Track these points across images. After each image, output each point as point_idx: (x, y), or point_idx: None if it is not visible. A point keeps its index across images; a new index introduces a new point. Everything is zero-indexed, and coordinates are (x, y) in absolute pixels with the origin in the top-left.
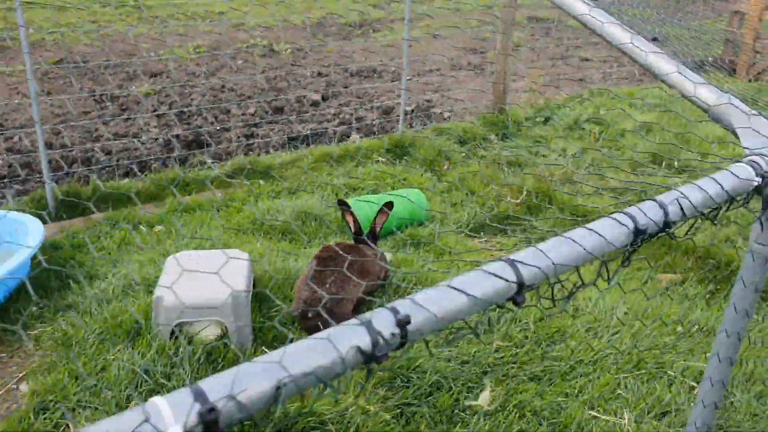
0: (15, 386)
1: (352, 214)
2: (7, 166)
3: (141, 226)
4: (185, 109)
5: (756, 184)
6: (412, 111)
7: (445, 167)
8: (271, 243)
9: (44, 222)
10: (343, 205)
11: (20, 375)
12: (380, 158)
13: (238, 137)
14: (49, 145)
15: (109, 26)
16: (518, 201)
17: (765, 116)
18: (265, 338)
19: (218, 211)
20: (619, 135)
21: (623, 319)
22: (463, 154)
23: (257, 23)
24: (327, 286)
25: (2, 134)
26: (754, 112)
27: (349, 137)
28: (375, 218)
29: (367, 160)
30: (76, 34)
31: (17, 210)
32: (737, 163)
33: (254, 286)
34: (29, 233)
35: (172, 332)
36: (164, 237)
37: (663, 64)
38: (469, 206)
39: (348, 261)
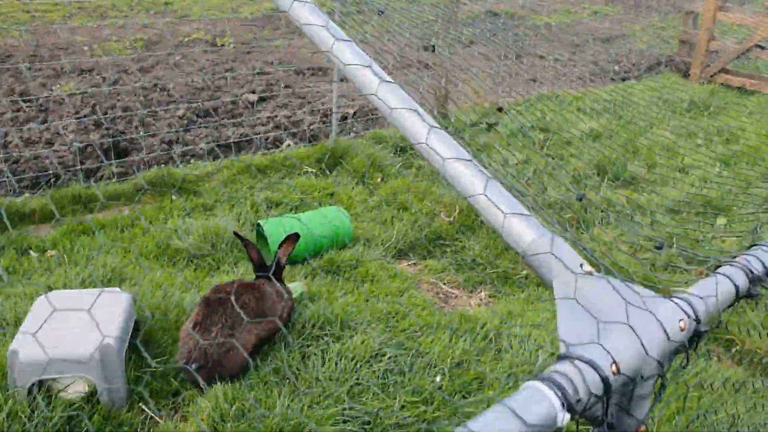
0: None
1: (253, 245)
2: None
3: (31, 251)
4: (109, 112)
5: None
6: (354, 114)
7: (378, 180)
8: (173, 270)
9: None
10: (239, 237)
11: None
12: (309, 169)
13: (162, 143)
14: None
15: (45, 17)
16: (450, 219)
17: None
18: (145, 392)
19: (122, 231)
20: (566, 143)
21: None
22: (399, 165)
23: (202, 15)
24: (213, 334)
25: None
26: (587, 270)
27: (282, 143)
28: (279, 248)
29: (294, 172)
30: (7, 26)
31: None
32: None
33: (138, 328)
34: None
35: (33, 389)
36: (55, 265)
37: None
38: (400, 224)
39: (240, 303)
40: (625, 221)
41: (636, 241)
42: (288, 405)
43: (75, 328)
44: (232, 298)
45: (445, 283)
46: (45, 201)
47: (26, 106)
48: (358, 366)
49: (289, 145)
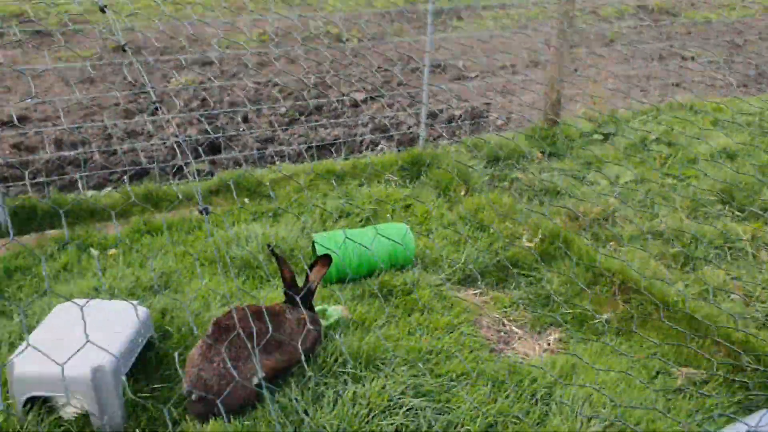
0: None
1: (286, 263)
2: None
3: (91, 249)
4: (217, 106)
5: None
6: (459, 117)
7: (462, 193)
8: (222, 280)
9: None
10: (273, 252)
11: None
12: (391, 177)
13: (257, 141)
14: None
15: (183, 10)
16: (532, 244)
17: None
18: (143, 418)
19: (188, 233)
20: (691, 161)
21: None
22: (488, 177)
23: (335, 9)
24: (215, 364)
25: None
26: None
27: (377, 146)
28: (311, 269)
29: (375, 179)
30: (150, 17)
31: None
32: None
33: (151, 346)
34: None
35: (31, 403)
36: (110, 265)
37: None
38: (474, 245)
39: (250, 331)
40: (745, 262)
41: (752, 291)
42: None
43: (74, 345)
44: (239, 325)
45: (510, 320)
46: (118, 197)
47: (141, 98)
48: (371, 417)
49: (382, 149)
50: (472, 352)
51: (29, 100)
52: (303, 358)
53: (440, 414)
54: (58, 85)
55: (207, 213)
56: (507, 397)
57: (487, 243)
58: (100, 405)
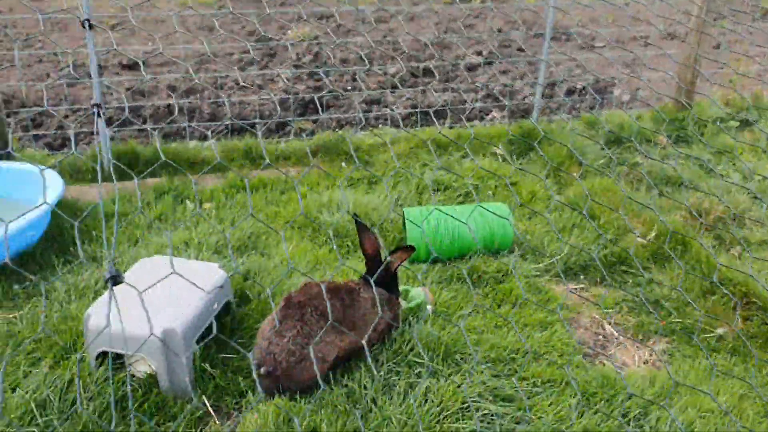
0: None
1: (370, 236)
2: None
3: (187, 201)
4: (328, 62)
5: None
6: (581, 90)
7: (574, 175)
8: (310, 246)
9: (75, 179)
10: (357, 221)
11: None
12: (497, 150)
13: (363, 102)
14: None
15: None
16: (645, 241)
17: None
18: (210, 386)
19: (282, 193)
20: None
21: None
22: (604, 160)
23: None
24: (286, 340)
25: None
26: None
27: (487, 115)
28: (393, 253)
29: (480, 152)
30: None
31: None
32: None
33: (228, 310)
34: (48, 188)
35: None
36: (207, 218)
37: None
38: (579, 235)
39: (322, 310)
40: None
41: None
42: None
43: (156, 301)
44: (313, 301)
45: (611, 323)
46: (219, 150)
47: (255, 48)
48: (442, 417)
49: (492, 119)
50: (562, 356)
51: (154, 47)
52: (376, 341)
53: (518, 423)
54: (179, 33)
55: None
56: (596, 413)
57: (595, 234)
58: (168, 368)
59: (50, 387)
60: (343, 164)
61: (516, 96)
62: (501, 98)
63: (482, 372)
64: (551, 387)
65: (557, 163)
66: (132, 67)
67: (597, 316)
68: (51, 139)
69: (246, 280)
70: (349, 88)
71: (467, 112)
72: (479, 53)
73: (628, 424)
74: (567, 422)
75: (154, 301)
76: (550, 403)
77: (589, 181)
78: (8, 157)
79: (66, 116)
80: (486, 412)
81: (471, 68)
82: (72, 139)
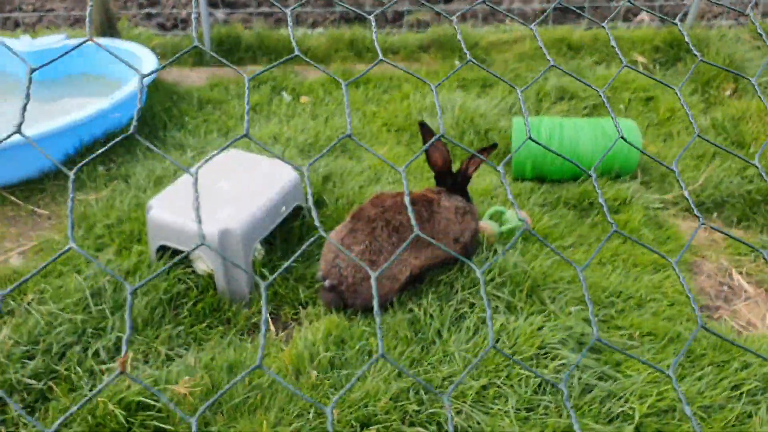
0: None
1: (440, 146)
2: None
3: (284, 93)
4: None
5: None
6: None
7: (726, 92)
8: (402, 151)
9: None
10: (423, 127)
11: (23, 248)
12: (639, 58)
13: None
14: None
15: None
16: None
17: None
18: (269, 292)
19: (385, 92)
20: None
21: None
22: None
23: None
24: (354, 254)
25: None
26: None
27: (636, 15)
28: (467, 161)
29: (617, 58)
30: None
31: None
32: None
33: (299, 215)
34: (141, 68)
35: (165, 250)
36: (302, 112)
37: None
38: (721, 164)
39: (397, 223)
40: None
41: None
42: (390, 377)
43: (219, 199)
44: (387, 214)
45: (741, 273)
46: (324, 40)
47: None
48: (511, 362)
49: (641, 21)
50: (672, 305)
51: None
52: (457, 257)
53: (601, 379)
54: None
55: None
56: (700, 379)
57: (740, 165)
58: (225, 269)
59: (108, 276)
60: (457, 62)
61: None
62: None
63: (570, 314)
64: (651, 341)
65: (707, 79)
66: None
67: (726, 263)
68: (164, 19)
69: (325, 183)
70: None
71: (611, 11)
72: None
73: (739, 399)
74: (661, 385)
75: (218, 198)
76: (646, 360)
77: (743, 102)
78: (111, 34)
79: None
80: (564, 361)
81: None
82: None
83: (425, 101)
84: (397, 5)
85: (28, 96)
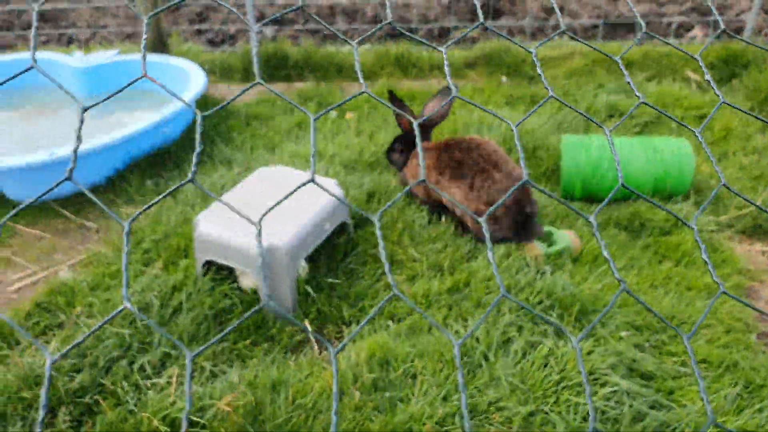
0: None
1: (406, 113)
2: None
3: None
4: None
5: None
6: None
7: None
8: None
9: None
10: (392, 98)
11: (72, 261)
12: (691, 75)
13: (542, 8)
14: None
15: None
16: None
17: None
18: (312, 309)
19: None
20: None
21: None
22: None
23: None
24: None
25: None
26: None
27: (688, 31)
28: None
29: (670, 75)
30: None
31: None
32: None
33: (343, 231)
34: (189, 84)
35: (210, 265)
36: (347, 128)
37: None
38: None
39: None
40: None
41: None
42: (435, 401)
43: (264, 214)
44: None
45: None
46: (371, 56)
47: None
48: (561, 387)
49: (693, 37)
50: (729, 332)
51: None
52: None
53: (654, 408)
54: None
55: None
56: (760, 411)
57: None
58: (270, 285)
59: (155, 290)
60: (504, 78)
61: (727, 11)
62: (708, 12)
63: (620, 339)
64: (706, 369)
65: (765, 95)
66: None
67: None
68: (213, 35)
69: (369, 200)
70: None
71: (664, 27)
72: None
73: None
74: (718, 417)
75: (269, 213)
76: (702, 389)
77: None
78: (162, 50)
79: (229, 12)
80: (615, 388)
81: None
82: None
83: (472, 117)
84: (444, 21)
85: (79, 138)
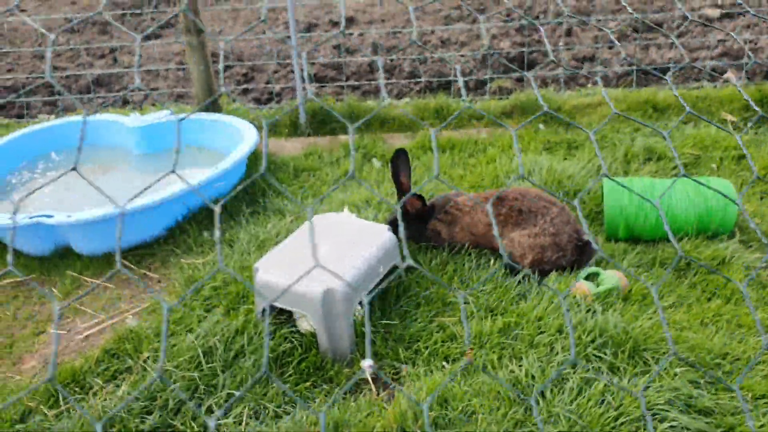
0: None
1: (404, 171)
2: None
3: (374, 160)
4: (540, 17)
5: None
6: None
7: None
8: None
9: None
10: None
11: (136, 309)
12: (729, 117)
13: (574, 59)
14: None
15: None
16: None
17: None
18: (372, 352)
19: (471, 156)
20: None
21: None
22: None
23: None
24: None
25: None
26: None
27: (721, 75)
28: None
29: (706, 116)
30: None
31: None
32: None
33: (394, 275)
34: (242, 140)
35: (272, 310)
36: (386, 179)
37: None
38: None
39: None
40: None
41: None
42: None
43: (319, 260)
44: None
45: None
46: (410, 109)
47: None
48: (619, 424)
49: (726, 81)
50: None
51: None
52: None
53: None
54: None
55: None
56: None
57: None
58: (328, 328)
59: (218, 335)
60: (541, 126)
61: (759, 54)
62: (740, 56)
63: (676, 376)
64: (765, 405)
65: None
66: (339, 24)
67: None
68: (258, 93)
69: (420, 247)
70: (561, 44)
71: (696, 72)
72: (717, 5)
73: None
74: None
75: (320, 260)
76: (761, 425)
77: None
78: (214, 109)
79: (275, 72)
80: (674, 424)
81: (707, 23)
82: (274, 95)
83: (511, 164)
84: (480, 73)
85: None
